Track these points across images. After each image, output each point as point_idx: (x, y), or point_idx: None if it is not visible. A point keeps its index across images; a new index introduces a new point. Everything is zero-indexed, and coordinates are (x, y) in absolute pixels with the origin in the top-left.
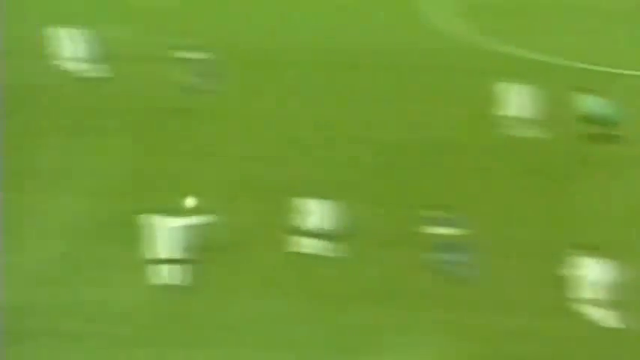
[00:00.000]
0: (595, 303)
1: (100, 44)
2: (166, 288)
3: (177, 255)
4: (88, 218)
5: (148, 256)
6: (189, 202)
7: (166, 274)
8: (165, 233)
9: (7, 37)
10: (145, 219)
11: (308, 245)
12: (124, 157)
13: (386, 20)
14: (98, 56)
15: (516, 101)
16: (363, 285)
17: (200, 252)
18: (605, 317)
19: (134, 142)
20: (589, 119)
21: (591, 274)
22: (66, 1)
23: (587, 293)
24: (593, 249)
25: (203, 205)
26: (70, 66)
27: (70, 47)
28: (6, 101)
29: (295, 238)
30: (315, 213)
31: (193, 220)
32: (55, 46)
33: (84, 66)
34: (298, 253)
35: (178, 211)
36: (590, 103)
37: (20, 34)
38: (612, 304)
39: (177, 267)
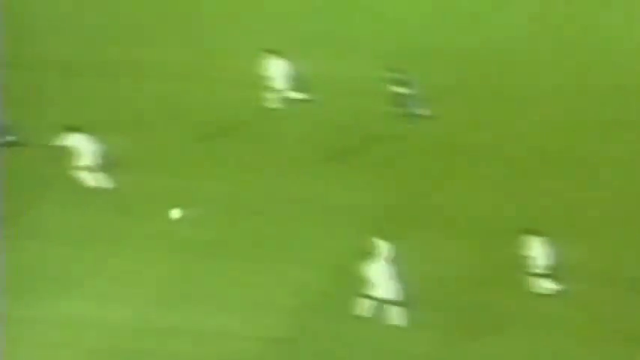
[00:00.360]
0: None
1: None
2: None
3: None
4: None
5: (373, 294)
6: (174, 213)
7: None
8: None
9: (220, 66)
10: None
11: (540, 283)
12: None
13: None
14: (303, 85)
15: None
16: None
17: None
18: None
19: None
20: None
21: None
22: (277, 31)
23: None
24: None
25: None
26: (278, 94)
27: (279, 76)
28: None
29: (529, 277)
30: (542, 250)
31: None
32: (267, 75)
33: (289, 94)
34: (533, 292)
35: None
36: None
37: (235, 64)
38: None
39: (395, 307)
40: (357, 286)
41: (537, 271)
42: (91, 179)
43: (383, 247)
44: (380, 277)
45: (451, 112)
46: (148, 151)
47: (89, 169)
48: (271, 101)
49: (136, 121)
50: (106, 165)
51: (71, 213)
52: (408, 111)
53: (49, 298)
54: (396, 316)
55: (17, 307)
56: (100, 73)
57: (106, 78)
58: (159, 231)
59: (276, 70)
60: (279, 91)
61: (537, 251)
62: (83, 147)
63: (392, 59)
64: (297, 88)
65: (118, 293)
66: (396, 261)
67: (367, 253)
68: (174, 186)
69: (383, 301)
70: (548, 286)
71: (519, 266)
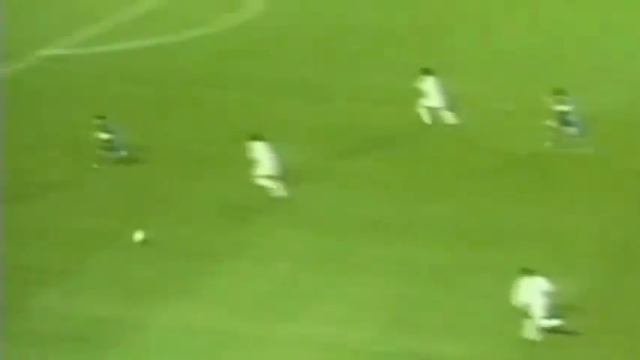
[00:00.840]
0: None
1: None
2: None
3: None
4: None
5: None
6: (138, 236)
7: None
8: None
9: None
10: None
11: None
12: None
13: None
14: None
15: None
16: None
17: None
18: None
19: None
20: None
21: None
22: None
23: None
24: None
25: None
26: (430, 112)
27: (433, 94)
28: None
29: None
30: None
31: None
32: (421, 93)
33: (441, 112)
34: None
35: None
36: None
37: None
38: None
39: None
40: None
41: None
42: (276, 188)
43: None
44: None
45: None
46: (318, 164)
47: (270, 177)
48: (424, 119)
49: (309, 135)
50: (284, 175)
51: (294, 235)
52: (567, 132)
53: (287, 320)
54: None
55: (249, 327)
56: (285, 91)
57: (288, 96)
58: (385, 255)
59: (430, 89)
60: (431, 109)
61: None
62: (264, 156)
63: (554, 81)
64: (448, 107)
65: (350, 316)
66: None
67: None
68: (345, 200)
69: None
70: None
71: None
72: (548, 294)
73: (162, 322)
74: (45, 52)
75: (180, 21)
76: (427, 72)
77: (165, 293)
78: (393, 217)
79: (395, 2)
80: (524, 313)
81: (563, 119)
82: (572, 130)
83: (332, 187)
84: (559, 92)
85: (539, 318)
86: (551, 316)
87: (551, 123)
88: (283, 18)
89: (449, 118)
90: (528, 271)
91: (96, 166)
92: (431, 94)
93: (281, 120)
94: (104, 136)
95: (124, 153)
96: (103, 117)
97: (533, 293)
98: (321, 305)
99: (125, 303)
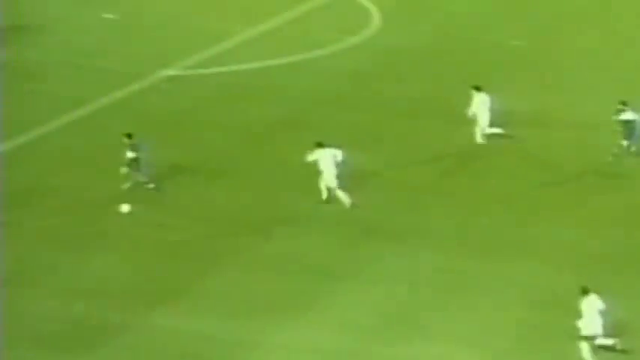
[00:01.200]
0: None
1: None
2: None
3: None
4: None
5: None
6: (124, 208)
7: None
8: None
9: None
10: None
11: None
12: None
13: None
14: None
15: None
16: None
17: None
18: None
19: None
20: None
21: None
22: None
23: None
24: None
25: None
26: (484, 129)
27: (486, 111)
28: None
29: None
30: None
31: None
32: (474, 110)
33: (495, 129)
34: None
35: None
36: None
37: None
38: None
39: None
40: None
41: None
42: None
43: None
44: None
45: None
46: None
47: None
48: (479, 137)
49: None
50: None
51: (419, 256)
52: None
53: (412, 340)
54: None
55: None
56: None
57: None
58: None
59: (483, 106)
60: (485, 126)
61: None
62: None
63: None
64: (501, 123)
65: (471, 337)
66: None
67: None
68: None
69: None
70: None
71: None
72: (603, 312)
73: (278, 341)
74: (166, 72)
75: (299, 41)
76: (477, 89)
77: (282, 311)
78: (512, 237)
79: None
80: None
81: (627, 130)
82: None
83: (459, 207)
84: (623, 103)
85: (596, 337)
86: (606, 335)
87: (617, 137)
88: (404, 36)
89: (501, 133)
90: (585, 290)
91: (127, 186)
92: (482, 110)
93: (418, 141)
94: (131, 154)
95: (147, 172)
96: (130, 135)
97: (590, 312)
98: (442, 324)
99: (241, 320)
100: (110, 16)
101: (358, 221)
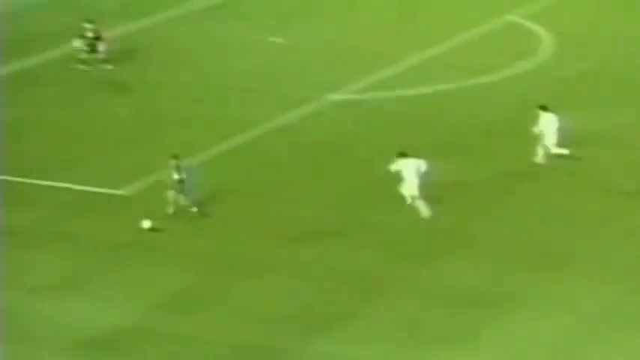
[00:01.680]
0: None
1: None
2: None
3: None
4: None
5: None
6: (145, 223)
7: None
8: None
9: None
10: None
11: None
12: None
13: None
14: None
15: None
16: None
17: None
18: None
19: None
20: None
21: None
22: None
23: None
24: None
25: None
26: (546, 149)
27: (549, 131)
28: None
29: None
30: None
31: None
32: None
33: (557, 149)
34: None
35: None
36: None
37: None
38: None
39: None
40: None
41: None
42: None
43: None
44: None
45: None
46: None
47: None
48: (540, 157)
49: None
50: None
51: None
52: None
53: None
54: None
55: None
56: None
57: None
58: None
59: (546, 125)
60: (547, 146)
61: None
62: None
63: None
64: (565, 143)
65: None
66: None
67: None
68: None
69: None
70: None
71: None
72: None
73: None
74: (334, 96)
75: (468, 67)
76: (543, 108)
77: (448, 342)
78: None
79: None
80: None
81: None
82: None
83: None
84: None
85: None
86: None
87: None
88: (578, 62)
89: (563, 153)
90: None
91: (171, 211)
92: (549, 131)
93: None
94: (176, 176)
95: (191, 195)
96: (177, 157)
97: None
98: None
99: (409, 349)
100: (278, 39)
101: (539, 251)
